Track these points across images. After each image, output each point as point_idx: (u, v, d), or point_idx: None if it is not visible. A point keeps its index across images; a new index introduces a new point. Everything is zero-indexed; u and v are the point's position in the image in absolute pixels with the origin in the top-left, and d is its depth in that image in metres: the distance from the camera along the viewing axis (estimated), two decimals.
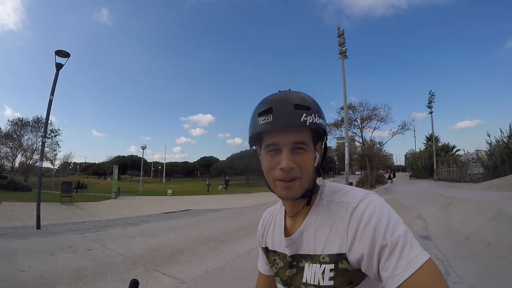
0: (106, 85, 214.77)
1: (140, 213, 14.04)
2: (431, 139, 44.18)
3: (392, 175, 45.36)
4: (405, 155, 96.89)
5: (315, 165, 0.94)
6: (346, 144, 25.94)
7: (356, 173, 75.72)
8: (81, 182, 34.03)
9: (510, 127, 19.77)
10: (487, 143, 21.64)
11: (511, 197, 8.29)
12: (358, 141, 40.02)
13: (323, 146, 0.99)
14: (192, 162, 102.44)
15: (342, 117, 37.32)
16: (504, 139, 20.11)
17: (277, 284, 1.07)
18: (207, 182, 41.86)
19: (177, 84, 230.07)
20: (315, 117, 0.87)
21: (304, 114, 0.85)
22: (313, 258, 0.91)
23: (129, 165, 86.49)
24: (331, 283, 0.85)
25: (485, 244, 4.87)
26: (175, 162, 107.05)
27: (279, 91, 0.94)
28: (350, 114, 34.71)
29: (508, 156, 19.07)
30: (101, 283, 4.44)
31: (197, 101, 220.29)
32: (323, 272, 0.87)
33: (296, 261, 0.97)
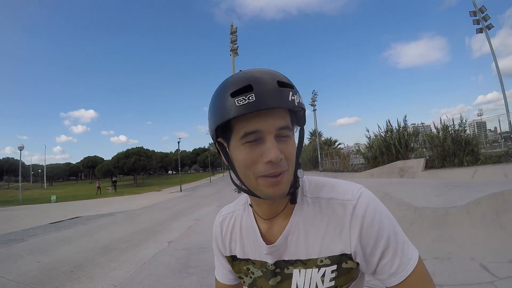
0: None
1: (23, 226, 12.36)
2: (315, 134, 47.27)
3: None
4: None
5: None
6: None
7: None
8: None
9: (387, 123, 22.89)
10: (366, 137, 24.40)
11: (391, 182, 9.52)
12: None
13: (297, 131, 0.83)
14: (75, 163, 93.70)
15: None
16: (382, 134, 22.94)
17: None
18: (97, 184, 38.74)
19: (57, 74, 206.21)
20: (299, 97, 0.73)
21: (291, 93, 0.70)
22: (305, 263, 0.81)
23: (5, 170, 75.73)
24: (332, 283, 0.79)
25: None
26: (57, 163, 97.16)
27: (240, 70, 0.76)
28: None
29: (385, 148, 21.89)
30: None
31: (78, 95, 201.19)
32: (323, 275, 0.79)
33: (280, 268, 0.85)
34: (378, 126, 23.72)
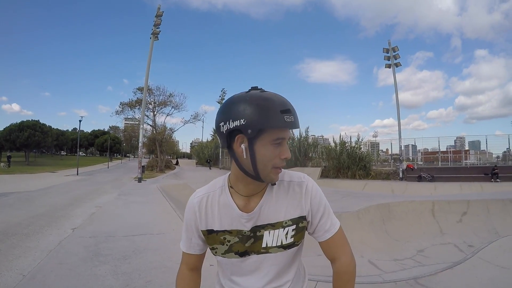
0: None
1: None
2: None
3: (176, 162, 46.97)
4: (191, 143, 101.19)
5: None
6: (141, 126, 25.01)
7: (144, 156, 74.59)
8: None
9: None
10: None
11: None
12: (150, 125, 38.47)
13: None
14: None
15: (138, 97, 35.35)
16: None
17: (228, 259, 1.10)
18: None
19: None
20: None
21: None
22: (274, 225, 1.06)
23: None
24: (292, 240, 1.07)
25: None
26: None
27: (256, 88, 0.98)
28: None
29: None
30: None
31: None
32: (286, 233, 1.07)
33: (254, 232, 1.06)
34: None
